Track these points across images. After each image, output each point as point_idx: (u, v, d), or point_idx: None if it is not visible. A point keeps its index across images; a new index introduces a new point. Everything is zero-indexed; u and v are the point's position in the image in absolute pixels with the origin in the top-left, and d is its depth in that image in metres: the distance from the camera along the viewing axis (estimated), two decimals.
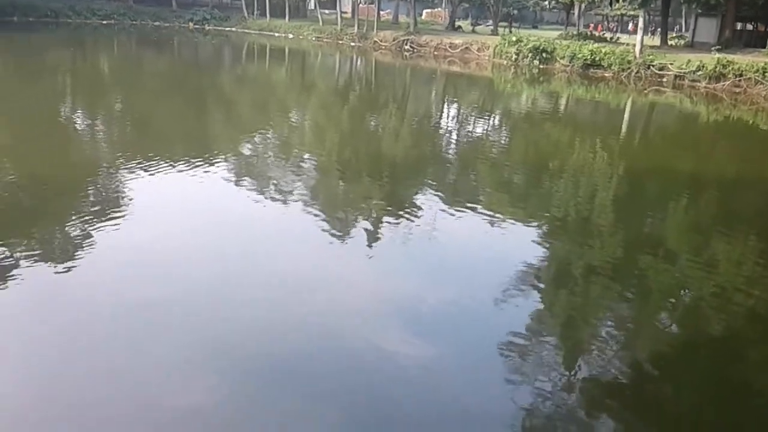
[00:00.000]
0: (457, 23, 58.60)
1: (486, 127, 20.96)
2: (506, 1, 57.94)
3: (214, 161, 12.58)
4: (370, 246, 8.76)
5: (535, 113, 24.19)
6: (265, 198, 10.65)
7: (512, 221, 10.14)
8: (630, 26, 62.27)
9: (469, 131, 19.81)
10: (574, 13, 52.13)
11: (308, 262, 8.02)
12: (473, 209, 10.55)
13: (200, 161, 12.29)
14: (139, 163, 11.82)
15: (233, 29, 57.37)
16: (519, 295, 7.48)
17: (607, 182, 13.52)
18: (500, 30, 53.31)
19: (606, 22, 68.00)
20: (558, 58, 35.51)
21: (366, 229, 9.49)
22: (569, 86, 31.13)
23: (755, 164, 16.56)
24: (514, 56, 37.10)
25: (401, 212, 10.04)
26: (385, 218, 9.87)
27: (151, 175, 11.18)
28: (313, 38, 51.88)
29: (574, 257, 8.95)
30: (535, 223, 10.23)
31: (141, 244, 8.24)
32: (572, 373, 5.95)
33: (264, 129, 17.53)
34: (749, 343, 7.01)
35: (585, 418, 5.33)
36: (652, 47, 36.76)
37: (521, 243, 9.24)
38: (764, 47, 33.97)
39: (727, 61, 29.94)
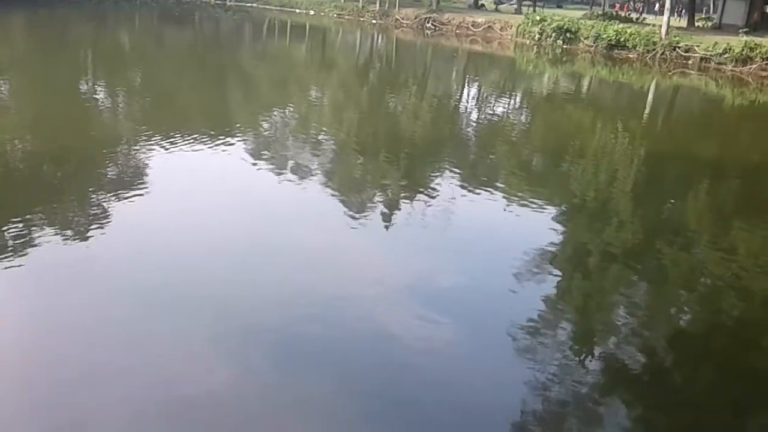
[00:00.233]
0: (480, 1, 57.75)
1: (507, 107, 20.80)
2: None
3: (233, 137, 12.66)
4: (386, 226, 8.79)
5: (557, 94, 23.93)
6: (283, 175, 10.70)
7: (530, 203, 10.09)
8: (656, 7, 60.98)
9: (489, 112, 19.68)
10: None
11: (325, 241, 8.06)
12: (491, 191, 10.52)
13: (220, 137, 12.35)
14: (160, 138, 11.91)
15: (254, 5, 57.09)
16: (535, 277, 7.47)
17: (627, 166, 13.38)
18: (524, 9, 52.44)
19: (632, 2, 66.69)
20: (582, 39, 34.94)
21: (383, 210, 9.51)
22: (593, 67, 30.70)
23: None
24: (537, 36, 36.55)
25: (419, 192, 10.04)
26: (403, 198, 9.88)
27: (170, 150, 11.26)
28: (335, 15, 51.60)
29: (591, 241, 8.91)
30: (554, 206, 10.17)
31: (161, 218, 8.35)
32: (586, 357, 5.96)
33: (284, 106, 17.57)
34: (766, 331, 6.96)
35: (599, 402, 5.35)
36: (678, 29, 36.05)
37: (539, 225, 9.20)
38: None
39: (755, 44, 29.31)
